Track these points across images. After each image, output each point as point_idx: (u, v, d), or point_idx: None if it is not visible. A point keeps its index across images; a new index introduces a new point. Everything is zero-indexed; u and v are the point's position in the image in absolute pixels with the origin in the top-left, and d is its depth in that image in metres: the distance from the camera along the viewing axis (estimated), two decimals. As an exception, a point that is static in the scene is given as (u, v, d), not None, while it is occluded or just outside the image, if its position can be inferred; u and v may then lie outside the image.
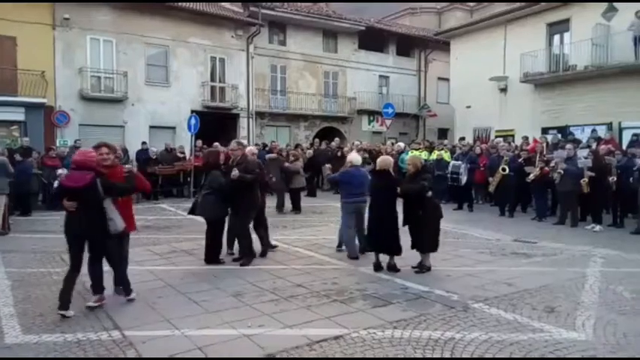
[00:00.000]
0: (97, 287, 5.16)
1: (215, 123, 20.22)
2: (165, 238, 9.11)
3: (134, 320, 4.69)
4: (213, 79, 21.66)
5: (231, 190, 6.76)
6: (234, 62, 22.10)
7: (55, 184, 5.20)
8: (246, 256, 6.98)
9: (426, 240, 6.48)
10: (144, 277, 6.29)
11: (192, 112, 18.57)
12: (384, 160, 6.82)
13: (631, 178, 10.00)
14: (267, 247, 7.61)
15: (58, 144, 16.88)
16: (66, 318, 4.72)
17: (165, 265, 7.04)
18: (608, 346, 4.08)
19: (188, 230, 9.74)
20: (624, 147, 12.72)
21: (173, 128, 20.39)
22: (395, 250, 6.48)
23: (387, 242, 6.49)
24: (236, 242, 7.29)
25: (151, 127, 19.97)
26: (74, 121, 18.23)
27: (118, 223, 5.15)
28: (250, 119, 22.58)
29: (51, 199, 11.94)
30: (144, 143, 16.89)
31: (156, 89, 20.17)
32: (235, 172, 6.70)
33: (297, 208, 12.48)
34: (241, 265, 6.85)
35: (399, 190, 6.46)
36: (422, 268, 6.55)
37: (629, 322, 4.64)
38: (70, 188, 4.90)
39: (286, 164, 12.80)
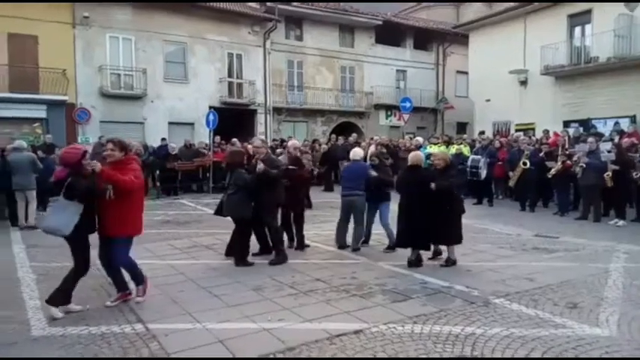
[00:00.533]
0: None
1: (233, 119, 20.35)
2: (185, 232, 9.21)
3: (156, 314, 4.76)
4: (230, 75, 21.81)
5: (255, 186, 6.63)
6: (251, 58, 22.20)
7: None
8: (277, 256, 6.79)
9: (454, 233, 6.49)
10: (165, 271, 6.38)
11: (210, 108, 18.76)
12: (416, 156, 6.91)
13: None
14: (300, 243, 7.59)
15: (79, 140, 17.18)
16: (88, 311, 4.81)
17: (186, 259, 7.12)
18: (633, 343, 4.01)
19: (208, 225, 9.82)
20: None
21: (192, 124, 20.61)
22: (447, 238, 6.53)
23: (422, 236, 6.45)
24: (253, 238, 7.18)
25: (170, 123, 20.21)
26: (95, 118, 18.53)
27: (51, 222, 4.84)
28: (268, 115, 22.68)
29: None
30: (163, 139, 17.11)
31: (174, 86, 20.38)
32: (261, 166, 6.56)
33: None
34: (270, 263, 6.64)
35: (432, 185, 6.33)
36: (448, 262, 6.57)
37: (654, 319, 4.55)
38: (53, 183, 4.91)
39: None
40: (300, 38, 24.02)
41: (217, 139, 17.05)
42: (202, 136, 18.74)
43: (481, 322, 4.48)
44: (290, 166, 7.32)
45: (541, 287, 5.55)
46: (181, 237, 8.79)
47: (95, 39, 18.71)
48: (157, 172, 15.43)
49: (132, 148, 5.52)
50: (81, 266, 4.89)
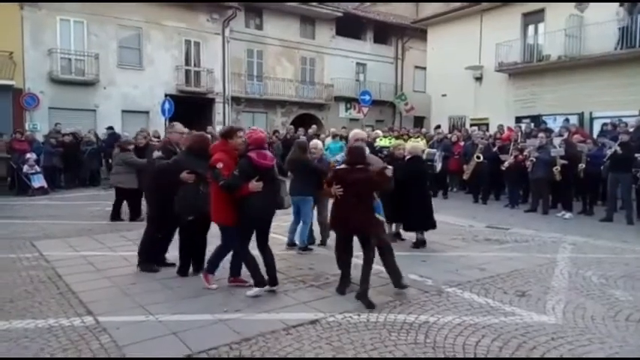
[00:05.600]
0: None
1: (190, 108, 19.91)
2: (137, 224, 8.96)
3: (108, 306, 4.62)
4: (187, 63, 21.33)
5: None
6: (210, 46, 21.77)
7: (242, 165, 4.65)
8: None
9: (430, 219, 7.27)
10: (117, 262, 6.20)
11: (167, 96, 18.24)
12: (416, 147, 7.65)
13: (602, 167, 10.27)
14: None
15: (27, 127, 16.44)
16: (38, 305, 4.62)
17: (139, 250, 6.93)
18: (576, 329, 4.19)
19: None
20: (595, 137, 13.03)
21: (147, 113, 20.04)
22: (431, 225, 7.27)
23: (424, 220, 7.20)
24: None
25: (124, 111, 19.60)
26: (44, 105, 17.76)
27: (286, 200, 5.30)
28: (226, 104, 22.32)
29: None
30: (109, 128, 16.46)
31: (128, 72, 19.75)
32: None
33: None
34: None
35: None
36: (420, 243, 7.31)
37: (596, 306, 4.78)
38: (265, 167, 4.81)
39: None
40: (260, 27, 23.73)
41: (173, 128, 16.64)
42: (157, 124, 18.24)
43: (434, 310, 4.58)
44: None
45: (492, 277, 5.72)
46: (133, 228, 8.55)
47: (45, 21, 17.84)
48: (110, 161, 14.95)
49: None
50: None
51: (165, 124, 16.54)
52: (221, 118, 22.04)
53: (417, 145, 7.76)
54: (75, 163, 15.03)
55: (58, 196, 13.12)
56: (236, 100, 22.88)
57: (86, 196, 12.71)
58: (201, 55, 21.63)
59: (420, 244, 7.30)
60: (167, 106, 16.11)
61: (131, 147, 9.24)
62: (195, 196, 5.24)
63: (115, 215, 9.23)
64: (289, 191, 6.35)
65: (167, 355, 3.63)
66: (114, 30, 19.34)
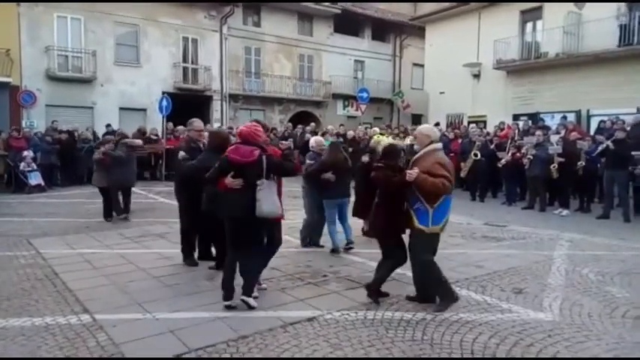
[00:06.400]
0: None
1: (187, 105, 19.79)
2: (135, 221, 8.96)
3: (104, 304, 4.61)
4: (185, 60, 21.28)
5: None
6: (207, 43, 21.72)
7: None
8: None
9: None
10: (114, 260, 6.20)
11: (164, 93, 18.16)
12: (392, 143, 7.35)
13: (598, 165, 10.29)
14: None
15: (24, 125, 16.39)
16: (31, 302, 4.61)
17: (136, 248, 6.93)
18: (573, 327, 4.20)
19: (161, 214, 9.60)
20: (592, 134, 13.05)
21: (144, 110, 20.01)
22: None
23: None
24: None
25: (121, 108, 19.56)
26: (41, 102, 17.70)
27: (265, 206, 4.47)
28: (224, 102, 22.29)
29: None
30: (108, 125, 16.40)
31: (126, 69, 19.69)
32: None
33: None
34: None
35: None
36: None
37: (593, 303, 4.79)
38: (237, 163, 4.47)
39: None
40: (258, 24, 23.67)
41: (170, 125, 16.64)
42: (155, 122, 18.20)
43: (432, 307, 4.58)
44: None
45: (489, 274, 5.74)
46: (131, 225, 8.56)
47: (41, 18, 17.77)
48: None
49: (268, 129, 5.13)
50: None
51: (163, 122, 16.52)
52: (219, 115, 22.02)
53: (391, 141, 7.68)
54: (72, 160, 14.98)
55: (55, 193, 13.08)
56: (234, 98, 22.84)
57: (83, 194, 12.68)
58: (199, 52, 21.57)
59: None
60: (164, 103, 16.06)
61: (107, 145, 9.14)
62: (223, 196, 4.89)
63: (107, 213, 9.12)
64: (330, 194, 6.61)
65: (164, 352, 3.63)
66: (111, 27, 19.27)
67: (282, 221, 4.95)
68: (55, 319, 4.26)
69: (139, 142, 9.24)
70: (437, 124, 16.32)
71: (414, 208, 4.50)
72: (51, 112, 17.49)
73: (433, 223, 4.44)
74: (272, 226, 4.78)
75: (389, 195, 4.64)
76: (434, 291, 4.59)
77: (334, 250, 6.74)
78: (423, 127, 4.93)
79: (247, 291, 4.54)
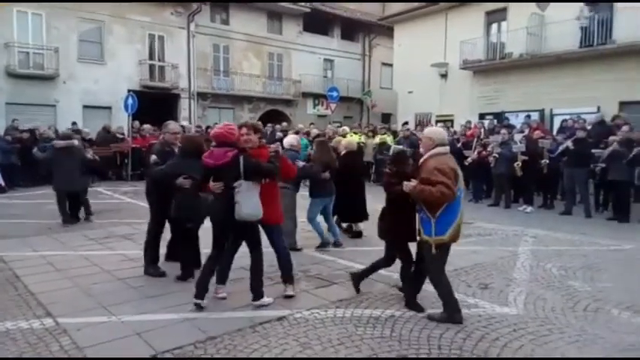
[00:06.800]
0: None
1: (154, 103, 19.52)
2: (100, 222, 8.75)
3: (68, 307, 4.49)
4: (151, 57, 20.90)
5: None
6: (174, 41, 21.38)
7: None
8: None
9: (363, 211, 7.62)
10: (78, 262, 6.04)
11: (129, 91, 17.78)
12: (351, 142, 7.93)
13: (560, 163, 10.58)
14: None
15: (-18, 124, 15.80)
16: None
17: (100, 250, 6.77)
18: (537, 320, 4.31)
19: (126, 215, 9.40)
20: (554, 133, 13.41)
21: (109, 108, 19.55)
22: (364, 217, 7.62)
23: (363, 211, 7.60)
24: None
25: (85, 106, 19.07)
26: (0, 100, 17.08)
27: (244, 208, 4.36)
28: (192, 100, 21.98)
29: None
30: (74, 124, 15.96)
31: (90, 67, 19.21)
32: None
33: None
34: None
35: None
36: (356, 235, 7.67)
37: (556, 297, 4.93)
38: (215, 166, 4.38)
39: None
40: (226, 22, 23.43)
41: (137, 124, 16.32)
42: (121, 120, 17.76)
43: (400, 304, 4.63)
44: None
45: (456, 270, 5.82)
46: (96, 227, 8.35)
47: (0, 13, 17.15)
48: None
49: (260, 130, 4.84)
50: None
51: (129, 121, 16.18)
52: (187, 114, 21.70)
53: (351, 140, 8.16)
54: (33, 160, 14.49)
55: (16, 194, 12.65)
56: (202, 96, 22.56)
57: (45, 195, 12.25)
58: (166, 49, 21.21)
59: (356, 235, 7.69)
60: (130, 101, 15.73)
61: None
62: (194, 202, 4.83)
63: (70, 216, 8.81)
64: (321, 193, 6.87)
65: (130, 355, 3.55)
66: (74, 23, 18.76)
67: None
68: (16, 323, 4.13)
69: (73, 142, 8.55)
70: (405, 123, 16.52)
71: (419, 216, 4.36)
72: (11, 111, 16.88)
73: (436, 233, 4.19)
74: (253, 229, 4.71)
75: (392, 202, 4.59)
76: (443, 301, 4.36)
77: (324, 245, 6.91)
78: (427, 130, 4.79)
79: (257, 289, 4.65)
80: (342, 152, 7.63)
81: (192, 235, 5.45)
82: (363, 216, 7.61)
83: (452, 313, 4.24)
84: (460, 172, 4.23)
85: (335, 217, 7.51)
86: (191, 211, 4.97)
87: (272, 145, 4.74)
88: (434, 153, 4.26)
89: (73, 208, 8.82)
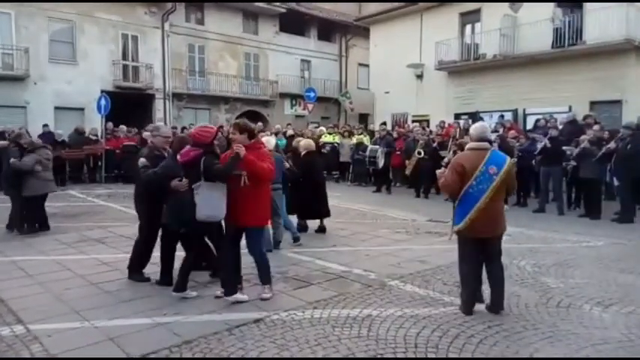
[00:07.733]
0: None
1: (128, 104, 19.20)
2: (73, 226, 8.56)
3: (39, 313, 4.38)
4: (125, 57, 20.55)
5: None
6: (148, 41, 21.08)
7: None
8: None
9: (324, 208, 7.96)
10: (50, 267, 5.90)
11: (102, 92, 17.46)
12: (309, 143, 8.21)
13: (533, 161, 10.77)
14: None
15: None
16: None
17: (73, 254, 6.62)
18: (511, 316, 4.38)
19: (100, 218, 9.22)
20: (527, 132, 13.67)
21: (82, 109, 19.15)
22: (326, 213, 7.96)
23: (325, 209, 7.93)
24: None
25: (57, 108, 18.65)
26: (-32, 101, 16.60)
27: (202, 209, 4.37)
28: (167, 101, 21.72)
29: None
30: (45, 125, 15.59)
31: (61, 67, 18.80)
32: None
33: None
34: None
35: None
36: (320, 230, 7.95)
37: (530, 294, 5.01)
38: (182, 164, 4.52)
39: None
40: (201, 22, 23.20)
41: (110, 125, 16.05)
42: (94, 122, 17.38)
43: (377, 303, 4.65)
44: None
45: (432, 268, 5.88)
46: (69, 230, 8.17)
47: (-34, 12, 16.70)
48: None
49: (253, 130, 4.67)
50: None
51: (102, 122, 15.91)
52: (162, 114, 21.43)
53: (309, 141, 8.49)
54: (3, 162, 14.12)
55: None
56: (177, 97, 22.29)
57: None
58: (140, 49, 20.90)
59: (320, 230, 7.96)
60: (103, 102, 15.47)
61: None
62: (189, 206, 4.53)
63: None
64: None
65: (103, 362, 3.49)
66: (45, 22, 18.34)
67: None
68: (-16, 331, 4.01)
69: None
70: (383, 124, 16.64)
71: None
72: (-21, 112, 16.45)
73: (455, 222, 4.46)
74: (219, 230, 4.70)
75: None
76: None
77: (298, 239, 7.14)
78: (471, 127, 4.90)
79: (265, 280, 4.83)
80: (302, 153, 7.90)
81: (191, 239, 5.01)
82: (325, 213, 7.93)
83: (462, 302, 4.49)
84: (482, 169, 4.30)
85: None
86: (183, 215, 4.63)
87: (234, 146, 4.50)
88: (467, 147, 4.62)
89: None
